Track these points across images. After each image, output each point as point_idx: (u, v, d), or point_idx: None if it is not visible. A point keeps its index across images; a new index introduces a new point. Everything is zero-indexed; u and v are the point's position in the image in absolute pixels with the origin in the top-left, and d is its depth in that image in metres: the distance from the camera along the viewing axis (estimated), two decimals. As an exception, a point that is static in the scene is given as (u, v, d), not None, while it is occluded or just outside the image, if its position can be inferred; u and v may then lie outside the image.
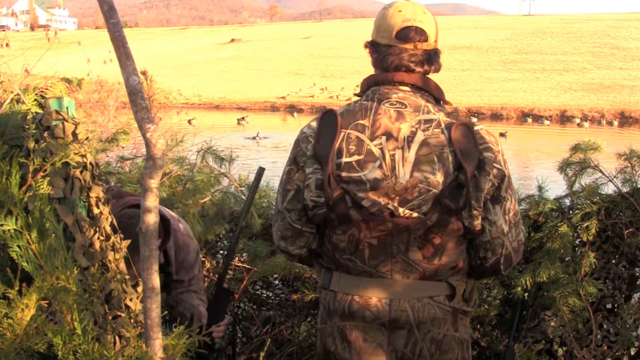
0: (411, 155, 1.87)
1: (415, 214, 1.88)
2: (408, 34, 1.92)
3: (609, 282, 2.90)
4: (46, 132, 1.69)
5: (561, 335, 2.89)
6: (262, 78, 49.85)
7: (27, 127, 1.68)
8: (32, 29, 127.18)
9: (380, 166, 1.88)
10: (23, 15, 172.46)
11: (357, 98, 2.04)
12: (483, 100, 36.96)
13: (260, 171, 2.35)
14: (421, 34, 1.93)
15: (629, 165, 2.93)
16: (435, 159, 1.86)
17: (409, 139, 1.88)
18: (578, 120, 34.51)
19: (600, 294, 2.85)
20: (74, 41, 66.45)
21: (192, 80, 46.60)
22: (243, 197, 3.41)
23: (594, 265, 2.83)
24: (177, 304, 2.53)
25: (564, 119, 35.95)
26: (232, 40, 75.40)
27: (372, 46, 2.01)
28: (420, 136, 1.88)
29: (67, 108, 1.73)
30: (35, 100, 1.97)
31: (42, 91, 2.04)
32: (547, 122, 34.46)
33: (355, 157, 1.89)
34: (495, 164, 1.89)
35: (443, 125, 1.89)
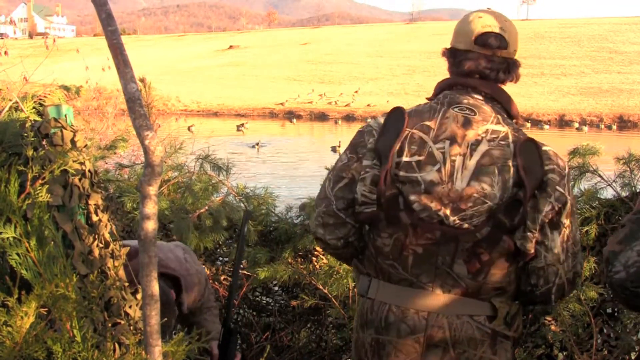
0: (472, 163, 1.80)
1: (466, 225, 1.80)
2: (487, 39, 1.88)
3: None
4: (45, 140, 1.70)
5: (561, 339, 2.88)
6: (260, 84, 49.89)
7: (25, 134, 1.68)
8: (30, 36, 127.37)
9: (439, 170, 1.81)
10: (22, 23, 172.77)
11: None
12: (481, 105, 36.84)
13: (247, 215, 2.32)
14: (500, 41, 1.89)
15: (628, 169, 2.94)
16: (496, 172, 1.79)
17: (473, 147, 1.81)
18: (577, 125, 34.65)
19: (601, 299, 2.85)
20: (72, 49, 66.66)
21: (190, 87, 46.63)
22: (241, 204, 3.41)
23: (594, 270, 2.83)
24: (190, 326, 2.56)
25: (562, 123, 36.06)
26: (231, 46, 75.49)
27: (449, 52, 1.97)
28: (484, 146, 1.81)
29: (65, 115, 1.74)
30: (34, 108, 1.96)
31: (40, 99, 2.03)
32: (546, 127, 34.54)
33: (416, 158, 1.84)
34: (558, 187, 1.79)
35: (510, 138, 1.82)
